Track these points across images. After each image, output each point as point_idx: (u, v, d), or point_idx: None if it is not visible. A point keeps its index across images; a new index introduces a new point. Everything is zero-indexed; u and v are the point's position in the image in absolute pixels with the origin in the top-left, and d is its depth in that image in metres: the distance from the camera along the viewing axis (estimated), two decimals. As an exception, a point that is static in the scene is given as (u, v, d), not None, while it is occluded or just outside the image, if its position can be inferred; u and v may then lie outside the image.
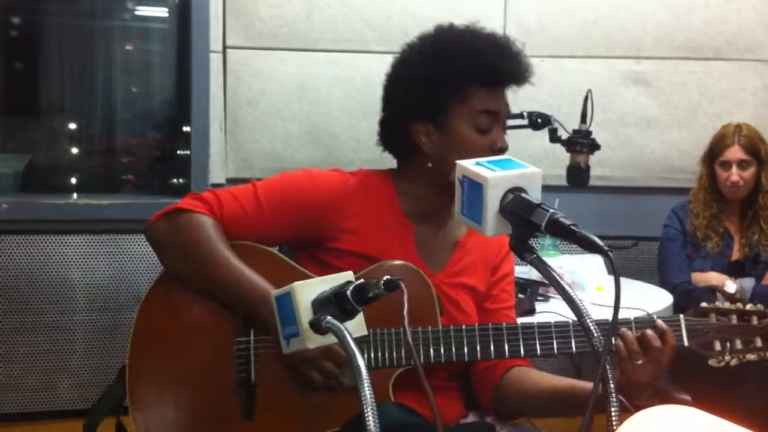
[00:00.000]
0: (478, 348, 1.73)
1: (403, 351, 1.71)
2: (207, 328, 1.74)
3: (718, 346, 1.71)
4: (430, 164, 1.80)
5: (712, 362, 1.71)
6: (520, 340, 1.73)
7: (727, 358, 1.70)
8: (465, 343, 1.73)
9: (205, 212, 1.75)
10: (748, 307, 1.74)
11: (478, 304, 1.90)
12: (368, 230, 1.80)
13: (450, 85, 1.76)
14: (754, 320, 1.71)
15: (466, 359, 1.74)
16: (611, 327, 1.17)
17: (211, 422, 1.72)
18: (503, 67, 1.79)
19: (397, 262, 1.77)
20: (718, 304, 1.75)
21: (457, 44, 1.78)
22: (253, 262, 1.73)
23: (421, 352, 1.72)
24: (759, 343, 1.70)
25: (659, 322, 1.65)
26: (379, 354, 1.72)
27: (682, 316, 1.73)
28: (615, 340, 1.62)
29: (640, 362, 1.59)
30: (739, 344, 1.71)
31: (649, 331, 1.61)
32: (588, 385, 1.70)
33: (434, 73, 1.75)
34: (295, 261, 1.81)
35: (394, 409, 1.66)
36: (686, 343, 1.70)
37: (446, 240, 1.90)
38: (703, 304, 1.75)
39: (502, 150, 1.77)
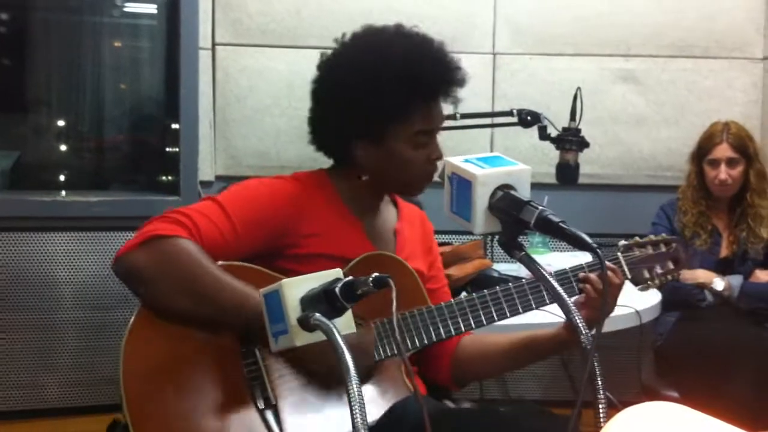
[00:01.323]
0: (471, 318, 1.80)
1: (405, 336, 1.76)
2: (206, 358, 1.65)
3: (646, 274, 1.98)
4: (365, 176, 1.84)
5: (640, 288, 1.99)
6: (503, 304, 1.83)
7: (655, 282, 1.99)
8: (458, 315, 1.79)
9: (186, 236, 1.65)
10: (653, 237, 2.04)
11: (424, 285, 1.95)
12: (325, 231, 1.80)
13: (392, 107, 1.76)
14: (663, 248, 2.03)
15: (463, 330, 1.81)
16: (599, 326, 1.17)
17: None
18: (444, 80, 1.81)
19: (377, 253, 1.82)
20: (636, 239, 2.00)
21: (398, 61, 1.77)
22: (243, 280, 1.67)
23: (422, 333, 1.77)
24: (671, 265, 2.03)
25: (608, 263, 1.83)
26: (386, 344, 1.75)
27: (619, 253, 1.95)
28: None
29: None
30: (658, 269, 2.00)
31: (608, 272, 1.78)
32: (546, 332, 1.85)
33: (376, 96, 1.74)
34: None
35: (431, 401, 1.70)
36: (629, 276, 1.94)
37: (387, 229, 1.95)
38: (622, 242, 1.99)
39: (438, 159, 1.83)
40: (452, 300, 1.81)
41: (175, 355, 1.64)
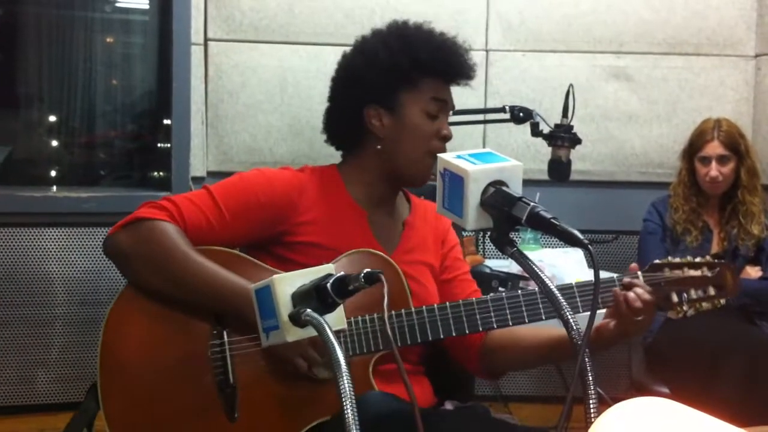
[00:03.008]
0: (452, 324, 1.76)
1: (379, 337, 1.74)
2: (178, 336, 1.73)
3: (675, 298, 1.77)
4: (380, 147, 1.87)
5: (671, 314, 1.81)
6: (491, 312, 1.76)
7: (685, 308, 1.77)
8: (438, 321, 1.76)
9: (168, 219, 1.73)
10: (698, 259, 1.82)
11: (436, 278, 1.95)
12: (324, 220, 1.83)
13: (407, 73, 1.84)
14: (706, 271, 1.79)
15: (441, 336, 1.76)
16: (590, 320, 1.18)
17: (194, 427, 1.70)
18: (455, 64, 1.90)
19: (362, 249, 1.81)
20: (669, 258, 1.82)
21: (417, 37, 1.88)
22: (223, 265, 1.71)
23: (397, 336, 1.75)
24: (712, 291, 1.78)
25: (627, 280, 1.71)
26: (356, 342, 1.74)
27: (639, 272, 1.76)
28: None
29: (640, 318, 1.66)
30: (694, 294, 1.78)
31: (628, 294, 1.67)
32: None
33: (394, 60, 1.83)
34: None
35: (379, 397, 1.67)
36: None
37: (396, 221, 1.97)
38: (656, 261, 1.81)
39: (447, 138, 1.88)
40: (435, 305, 1.77)
41: (149, 332, 1.73)
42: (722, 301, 1.81)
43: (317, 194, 1.85)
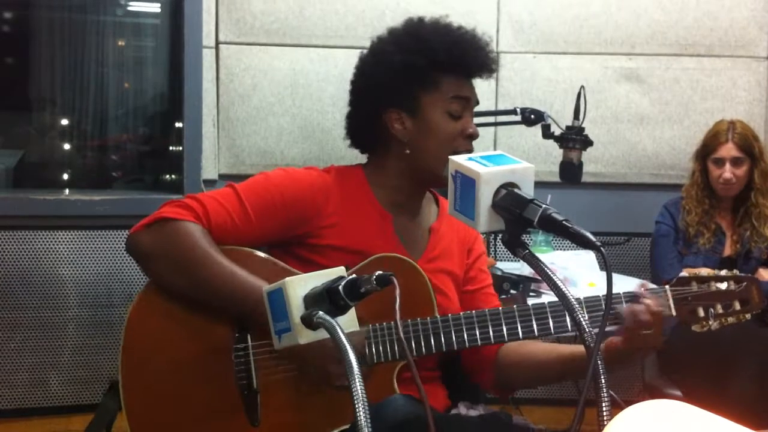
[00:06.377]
0: (478, 333, 1.73)
1: (408, 343, 1.72)
2: (201, 337, 1.72)
3: (701, 312, 1.77)
4: (407, 151, 1.83)
5: (695, 328, 1.78)
6: (518, 323, 1.74)
7: (710, 323, 1.77)
8: (464, 330, 1.73)
9: (193, 220, 1.71)
10: (723, 272, 1.82)
11: (458, 288, 1.93)
12: (349, 224, 1.81)
13: (424, 74, 1.81)
14: (732, 285, 1.79)
15: (467, 346, 1.74)
16: (602, 322, 1.17)
17: (216, 430, 1.70)
18: (474, 58, 1.85)
19: (389, 254, 1.78)
20: (696, 272, 1.82)
21: (432, 35, 1.83)
22: (242, 265, 1.70)
23: (422, 343, 1.73)
24: (737, 306, 1.79)
25: (646, 293, 1.71)
26: (381, 348, 1.73)
27: (667, 287, 1.77)
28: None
29: (649, 331, 1.64)
30: (720, 309, 1.78)
31: (637, 307, 1.66)
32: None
33: (410, 61, 1.79)
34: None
35: (402, 401, 1.66)
36: (674, 313, 1.75)
37: (421, 227, 1.93)
38: (683, 274, 1.80)
39: (473, 136, 1.84)
40: (461, 313, 1.76)
41: (172, 332, 1.72)
42: (747, 315, 1.80)
43: (343, 196, 1.83)
